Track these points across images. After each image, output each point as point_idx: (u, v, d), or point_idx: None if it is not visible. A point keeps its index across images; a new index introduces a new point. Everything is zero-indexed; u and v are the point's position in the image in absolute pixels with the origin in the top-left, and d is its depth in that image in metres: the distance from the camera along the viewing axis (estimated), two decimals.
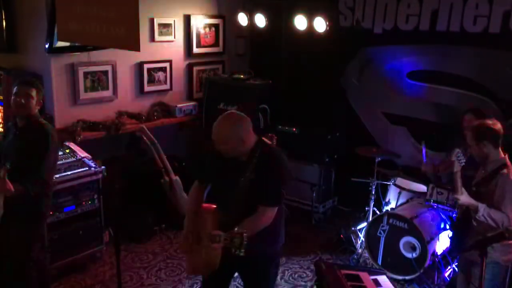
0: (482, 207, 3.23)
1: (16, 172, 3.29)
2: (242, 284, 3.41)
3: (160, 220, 5.34)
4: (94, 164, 4.58)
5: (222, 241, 2.62)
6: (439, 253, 4.52)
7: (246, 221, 2.76)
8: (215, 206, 2.91)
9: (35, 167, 3.43)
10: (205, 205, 2.96)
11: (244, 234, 2.53)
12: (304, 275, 4.71)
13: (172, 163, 5.12)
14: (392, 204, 5.09)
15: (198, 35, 6.20)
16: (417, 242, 4.43)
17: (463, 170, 3.47)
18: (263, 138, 3.00)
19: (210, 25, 6.34)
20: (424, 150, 4.89)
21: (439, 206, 4.50)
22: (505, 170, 3.27)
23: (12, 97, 3.51)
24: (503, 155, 3.37)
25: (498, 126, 3.36)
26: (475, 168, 3.56)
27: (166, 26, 5.83)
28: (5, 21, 5.03)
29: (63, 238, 4.41)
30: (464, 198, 3.32)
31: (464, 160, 3.44)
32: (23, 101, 3.47)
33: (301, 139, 5.88)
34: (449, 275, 4.43)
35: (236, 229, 2.57)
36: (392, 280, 3.97)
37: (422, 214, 4.64)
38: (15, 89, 3.53)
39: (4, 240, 3.55)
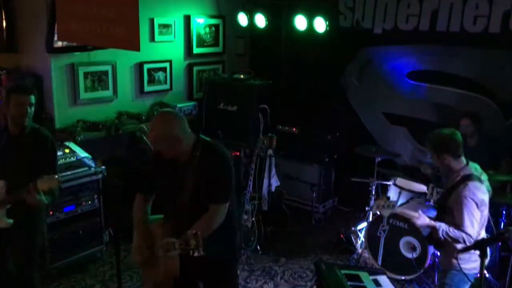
0: (440, 228, 3.14)
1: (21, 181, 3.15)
2: None
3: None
4: (94, 164, 4.58)
5: (178, 247, 2.53)
6: (439, 253, 4.51)
7: (199, 221, 2.72)
8: (162, 221, 2.91)
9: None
10: (155, 223, 2.94)
11: (198, 233, 2.48)
12: (304, 275, 4.71)
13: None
14: None
15: (198, 35, 6.21)
16: (417, 242, 4.43)
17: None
18: (201, 135, 2.90)
19: (210, 25, 6.34)
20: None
21: None
22: (461, 186, 3.14)
23: (13, 107, 3.32)
24: (464, 164, 3.24)
25: (457, 136, 3.23)
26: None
27: (166, 26, 5.83)
28: (5, 21, 5.03)
29: (63, 238, 4.41)
30: (420, 221, 3.26)
31: (394, 204, 3.39)
32: (29, 110, 3.36)
33: (301, 139, 5.88)
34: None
35: (188, 232, 2.50)
36: (392, 280, 3.97)
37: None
38: (15, 98, 3.33)
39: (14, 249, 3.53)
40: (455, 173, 3.24)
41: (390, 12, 5.46)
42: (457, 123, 4.57)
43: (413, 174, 5.18)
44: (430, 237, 3.24)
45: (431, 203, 4.53)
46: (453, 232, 3.11)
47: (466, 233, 3.08)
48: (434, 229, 3.23)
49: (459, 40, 5.04)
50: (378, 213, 3.19)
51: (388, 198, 3.29)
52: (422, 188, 4.87)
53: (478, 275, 2.90)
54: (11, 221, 3.31)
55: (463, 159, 3.26)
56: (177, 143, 2.74)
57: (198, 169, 2.76)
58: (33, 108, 3.42)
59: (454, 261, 3.13)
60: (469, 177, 3.17)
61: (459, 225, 3.11)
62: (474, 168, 3.30)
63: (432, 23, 5.18)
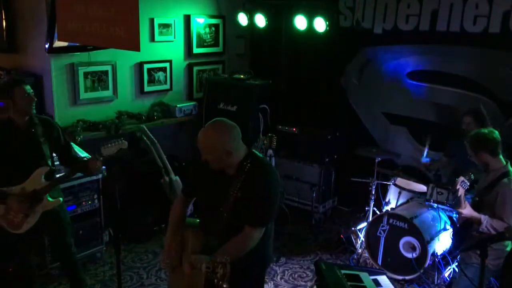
0: (484, 219, 3.26)
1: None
2: None
3: (160, 220, 5.34)
4: None
5: (204, 269, 2.42)
6: (439, 253, 4.52)
7: (230, 242, 2.59)
8: (197, 225, 2.83)
9: (74, 155, 3.83)
10: (189, 230, 2.84)
11: (228, 264, 2.30)
12: (304, 275, 4.71)
13: (172, 163, 5.12)
14: (392, 204, 5.09)
15: (198, 35, 6.21)
16: (417, 242, 4.43)
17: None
18: (253, 150, 2.79)
19: (210, 25, 6.34)
20: (426, 149, 4.90)
21: (439, 206, 4.51)
22: (505, 179, 3.29)
23: (20, 99, 3.47)
24: (503, 163, 3.39)
25: (495, 134, 3.39)
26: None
27: (166, 26, 5.83)
28: (5, 21, 5.03)
29: None
30: (466, 211, 3.35)
31: (469, 184, 3.39)
32: (34, 98, 3.54)
33: (301, 139, 5.88)
34: (449, 275, 4.43)
35: (218, 258, 2.35)
36: (392, 280, 3.97)
37: (422, 214, 4.64)
38: (20, 90, 3.47)
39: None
40: (494, 171, 3.38)
41: (390, 12, 5.46)
42: (460, 121, 4.58)
43: (413, 174, 5.17)
44: (475, 242, 3.27)
45: (431, 202, 4.53)
46: (496, 223, 3.23)
47: (510, 225, 3.18)
48: (475, 221, 3.33)
49: (459, 40, 5.04)
50: (458, 187, 3.29)
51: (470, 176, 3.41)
52: (422, 188, 4.87)
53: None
54: (61, 198, 3.72)
55: (502, 158, 3.41)
56: (225, 156, 2.60)
57: (244, 185, 2.62)
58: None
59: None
60: (509, 174, 3.32)
61: (501, 218, 3.24)
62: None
63: (432, 23, 5.19)
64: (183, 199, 2.99)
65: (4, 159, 3.47)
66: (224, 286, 2.30)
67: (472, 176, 3.42)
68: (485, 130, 3.45)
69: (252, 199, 2.60)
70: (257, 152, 2.81)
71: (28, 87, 3.55)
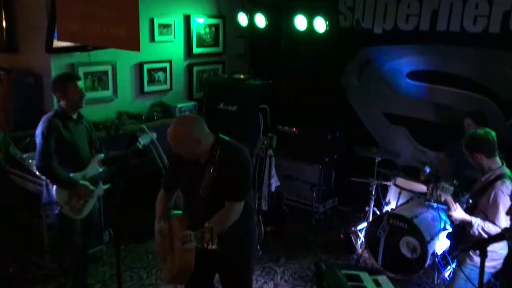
0: (476, 223, 3.24)
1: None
2: None
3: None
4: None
5: (193, 239, 2.64)
6: (439, 253, 4.52)
7: (214, 217, 2.81)
8: (181, 212, 3.03)
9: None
10: (175, 215, 3.06)
11: (214, 227, 2.55)
12: (304, 275, 4.71)
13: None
14: (392, 204, 5.09)
15: (198, 35, 6.21)
16: (417, 242, 4.42)
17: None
18: (220, 134, 2.99)
19: (210, 25, 6.34)
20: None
21: (439, 206, 4.49)
22: (498, 182, 3.26)
23: (72, 94, 3.69)
24: (499, 165, 3.36)
25: (490, 135, 3.35)
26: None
27: (166, 26, 5.83)
28: (5, 21, 5.03)
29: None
30: (456, 214, 3.33)
31: (452, 188, 3.40)
32: (84, 93, 3.79)
33: (301, 139, 5.88)
34: (449, 275, 4.43)
35: (205, 225, 2.57)
36: (392, 280, 3.97)
37: (422, 214, 4.64)
38: (73, 85, 3.69)
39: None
40: (489, 172, 3.35)
41: (390, 12, 5.46)
42: (461, 122, 4.58)
43: (413, 174, 5.17)
44: (474, 243, 3.26)
45: (431, 203, 4.52)
46: (488, 227, 3.21)
47: (501, 228, 3.16)
48: (466, 224, 3.32)
49: (459, 40, 5.04)
50: (439, 192, 3.30)
51: (452, 182, 3.40)
52: (422, 188, 4.87)
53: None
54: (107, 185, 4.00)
55: (498, 160, 3.38)
56: (196, 145, 2.83)
57: (217, 168, 2.83)
58: None
59: (476, 257, 3.18)
60: (503, 176, 3.29)
61: (493, 221, 3.21)
62: (508, 171, 3.40)
63: (432, 23, 5.19)
64: (165, 193, 3.16)
65: (64, 149, 3.68)
66: (214, 247, 2.53)
67: (456, 182, 3.41)
68: (481, 131, 3.41)
69: (228, 178, 2.83)
70: (224, 137, 3.00)
71: (80, 83, 3.77)
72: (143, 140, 4.04)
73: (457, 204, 3.35)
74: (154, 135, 4.15)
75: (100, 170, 3.89)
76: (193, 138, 2.81)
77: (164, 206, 3.11)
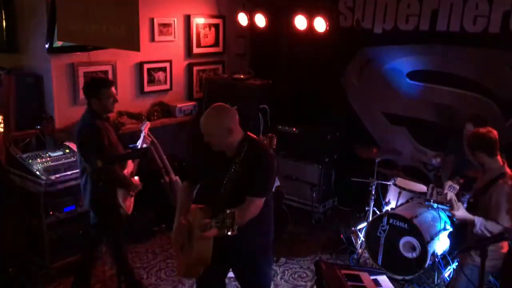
0: (478, 221, 3.23)
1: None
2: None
3: (160, 220, 5.34)
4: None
5: (214, 225, 2.66)
6: (439, 253, 4.52)
7: (236, 211, 2.78)
8: (203, 205, 3.00)
9: None
10: (194, 205, 3.07)
11: (236, 212, 2.56)
12: (304, 275, 4.71)
13: (172, 163, 5.12)
14: (392, 204, 5.09)
15: (198, 35, 6.21)
16: (417, 242, 4.43)
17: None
18: (248, 133, 3.04)
19: (210, 25, 6.34)
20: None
21: (439, 206, 4.50)
22: (500, 181, 3.26)
23: (107, 99, 3.81)
24: (501, 164, 3.36)
25: (492, 134, 3.35)
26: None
27: (166, 26, 5.83)
28: (5, 21, 5.02)
29: (63, 238, 4.41)
30: (459, 213, 3.32)
31: (458, 187, 3.40)
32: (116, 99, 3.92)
33: (301, 139, 5.88)
34: (449, 275, 4.43)
35: (227, 210, 2.59)
36: (392, 280, 3.97)
37: (422, 214, 4.64)
38: (109, 91, 3.81)
39: None
40: (490, 171, 3.35)
41: (390, 12, 5.46)
42: (462, 122, 4.59)
43: (413, 174, 5.17)
44: (474, 243, 3.26)
45: (431, 203, 4.52)
46: (491, 226, 3.20)
47: (504, 227, 3.16)
48: (469, 223, 3.31)
49: (459, 40, 5.04)
50: (446, 191, 3.31)
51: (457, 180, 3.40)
52: (422, 188, 4.87)
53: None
54: None
55: (499, 159, 3.37)
56: (226, 135, 2.88)
57: (243, 163, 2.89)
58: None
59: (477, 257, 3.18)
60: (505, 175, 3.29)
61: (496, 220, 3.21)
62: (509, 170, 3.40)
63: (432, 23, 5.18)
64: (188, 185, 3.20)
65: (109, 145, 3.82)
66: (234, 232, 2.53)
67: (462, 181, 3.40)
68: (483, 130, 3.41)
69: (252, 173, 2.87)
70: (250, 134, 3.05)
71: (113, 90, 3.88)
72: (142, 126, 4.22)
73: (460, 203, 3.34)
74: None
75: (133, 167, 4.07)
76: (224, 127, 2.86)
77: (187, 199, 3.14)
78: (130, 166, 4.05)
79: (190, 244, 2.94)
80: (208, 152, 2.99)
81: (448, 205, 4.37)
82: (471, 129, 4.42)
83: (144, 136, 4.23)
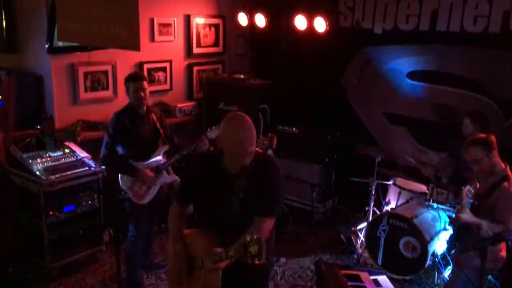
0: (485, 225, 3.23)
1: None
2: None
3: (160, 220, 5.33)
4: (94, 164, 4.58)
5: (233, 255, 2.37)
6: (439, 253, 4.52)
7: (246, 234, 2.46)
8: (204, 229, 2.75)
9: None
10: (189, 230, 2.81)
11: (261, 239, 2.25)
12: (304, 275, 4.71)
13: (172, 163, 5.10)
14: (392, 204, 5.09)
15: (198, 35, 6.21)
16: (417, 242, 4.43)
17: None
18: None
19: (210, 25, 6.34)
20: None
21: (439, 206, 4.50)
22: (505, 183, 3.27)
23: (131, 92, 4.02)
24: (504, 166, 3.38)
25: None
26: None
27: (166, 26, 5.83)
28: (5, 21, 5.02)
29: (63, 238, 4.41)
30: (466, 216, 3.31)
31: (473, 192, 3.41)
32: (142, 94, 4.03)
33: (301, 139, 5.88)
34: (449, 275, 4.43)
35: (248, 236, 2.29)
36: (392, 280, 3.97)
37: (422, 214, 4.64)
38: (133, 85, 4.01)
39: None
40: (494, 174, 3.35)
41: (390, 12, 5.46)
42: (462, 122, 4.59)
43: (413, 174, 5.17)
44: (474, 243, 3.26)
45: (431, 203, 4.52)
46: (497, 228, 3.20)
47: (510, 229, 3.17)
48: (475, 226, 3.29)
49: (459, 40, 5.04)
50: (463, 196, 3.34)
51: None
52: (422, 188, 4.87)
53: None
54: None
55: (502, 162, 3.39)
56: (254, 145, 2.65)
57: (253, 178, 2.64)
58: (146, 92, 4.08)
59: (476, 259, 3.18)
60: (509, 178, 3.30)
61: (503, 222, 3.20)
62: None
63: (432, 23, 5.18)
64: (180, 207, 2.91)
65: (130, 141, 4.04)
66: (263, 261, 2.23)
67: (478, 186, 3.40)
68: (484, 135, 3.44)
69: (262, 191, 2.63)
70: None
71: (140, 85, 4.02)
72: (210, 134, 4.18)
73: (466, 207, 3.34)
74: (215, 133, 4.27)
75: (163, 160, 4.19)
76: (255, 137, 2.66)
77: (181, 222, 2.85)
78: (158, 159, 4.19)
79: (190, 277, 2.67)
80: (202, 169, 2.75)
81: (448, 205, 4.39)
82: (467, 124, 4.43)
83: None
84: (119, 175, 4.06)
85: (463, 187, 3.35)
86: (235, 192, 2.64)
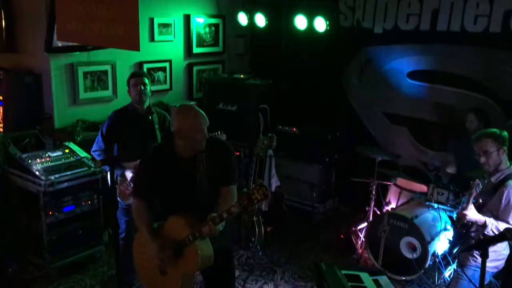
0: (490, 223, 3.24)
1: None
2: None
3: (159, 220, 5.32)
4: (94, 164, 4.58)
5: (236, 209, 2.59)
6: (439, 253, 4.51)
7: (221, 204, 2.78)
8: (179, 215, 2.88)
9: None
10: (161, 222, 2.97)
11: (262, 184, 2.52)
12: (304, 275, 4.70)
13: None
14: (393, 204, 5.08)
15: (198, 35, 6.20)
16: (418, 242, 4.42)
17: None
18: None
19: (210, 25, 6.34)
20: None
21: (440, 206, 4.50)
22: (510, 181, 3.28)
23: (131, 88, 4.01)
24: (508, 165, 3.38)
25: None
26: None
27: (166, 26, 5.83)
28: (5, 21, 5.02)
29: (63, 238, 4.40)
30: (471, 214, 3.31)
31: (481, 187, 3.39)
32: (142, 89, 3.99)
33: (301, 139, 5.88)
34: (449, 276, 4.42)
35: (252, 186, 2.61)
36: (392, 280, 3.96)
37: (423, 214, 4.63)
38: (133, 81, 4.00)
39: None
40: (498, 173, 3.35)
41: (391, 12, 5.45)
42: (463, 119, 4.57)
43: (414, 174, 5.16)
44: (475, 243, 3.26)
45: (432, 203, 4.51)
46: (501, 225, 3.20)
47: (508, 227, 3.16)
48: (479, 224, 3.30)
49: (460, 39, 5.03)
50: (473, 191, 3.33)
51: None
52: (422, 188, 4.86)
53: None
54: None
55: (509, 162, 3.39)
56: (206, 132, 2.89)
57: (211, 158, 2.87)
58: (148, 88, 4.04)
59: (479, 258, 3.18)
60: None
61: (507, 220, 3.21)
62: None
63: (432, 23, 5.18)
64: (143, 204, 3.02)
65: (125, 140, 4.02)
66: (267, 200, 2.51)
67: (486, 181, 3.38)
68: (500, 130, 3.41)
69: (222, 164, 2.90)
70: None
71: (140, 80, 3.99)
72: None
73: (471, 205, 3.33)
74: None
75: None
76: (207, 124, 2.87)
77: (149, 218, 2.99)
78: None
79: (182, 257, 2.82)
80: (157, 160, 2.93)
81: (449, 205, 4.38)
82: (472, 120, 4.42)
83: None
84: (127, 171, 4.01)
85: (472, 182, 3.33)
86: (196, 173, 2.84)
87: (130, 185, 3.96)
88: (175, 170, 2.90)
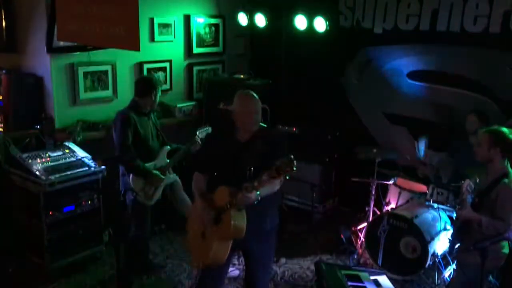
0: (485, 221, 3.24)
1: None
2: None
3: (160, 220, 5.34)
4: (94, 164, 4.58)
5: (267, 175, 2.79)
6: (439, 253, 4.51)
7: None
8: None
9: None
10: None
11: (291, 158, 2.73)
12: (304, 275, 4.70)
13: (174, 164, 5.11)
14: (392, 204, 5.08)
15: (198, 35, 6.20)
16: (418, 242, 4.42)
17: None
18: None
19: (210, 25, 6.34)
20: (422, 146, 4.90)
21: (440, 206, 4.50)
22: (506, 180, 3.28)
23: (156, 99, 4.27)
24: (504, 164, 3.37)
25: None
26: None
27: (166, 26, 5.83)
28: (5, 21, 5.03)
29: (63, 238, 4.41)
30: (466, 212, 3.33)
31: (474, 187, 3.42)
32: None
33: (301, 139, 5.87)
34: (449, 275, 4.43)
35: (277, 162, 2.74)
36: (392, 280, 3.97)
37: (423, 214, 4.63)
38: (159, 92, 4.30)
39: None
40: (494, 171, 3.35)
41: (390, 12, 5.46)
42: (464, 120, 4.57)
43: (414, 174, 5.17)
44: (475, 243, 3.27)
45: (431, 203, 4.52)
46: (497, 224, 3.21)
47: (510, 225, 3.19)
48: (474, 223, 3.31)
49: (459, 40, 5.03)
50: (464, 190, 3.41)
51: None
52: (422, 188, 4.86)
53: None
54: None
55: (506, 161, 3.37)
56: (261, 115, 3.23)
57: (267, 142, 3.14)
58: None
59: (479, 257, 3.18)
60: (509, 175, 3.30)
61: (503, 218, 3.22)
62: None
63: (432, 23, 5.18)
64: (201, 175, 3.32)
65: (138, 141, 4.12)
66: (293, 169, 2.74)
67: (478, 180, 3.39)
68: (507, 130, 3.37)
69: (275, 149, 3.09)
70: None
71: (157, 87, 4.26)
72: (201, 134, 4.35)
73: (467, 204, 3.35)
74: (210, 129, 4.43)
75: (167, 161, 4.33)
76: (261, 107, 3.21)
77: (203, 185, 3.27)
78: (162, 161, 4.32)
79: (220, 224, 3.05)
80: (216, 139, 3.33)
81: (448, 205, 4.38)
82: (475, 121, 4.42)
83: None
84: (131, 176, 4.11)
85: (462, 182, 3.35)
86: (249, 155, 3.10)
87: (152, 187, 4.20)
88: (232, 150, 3.18)
